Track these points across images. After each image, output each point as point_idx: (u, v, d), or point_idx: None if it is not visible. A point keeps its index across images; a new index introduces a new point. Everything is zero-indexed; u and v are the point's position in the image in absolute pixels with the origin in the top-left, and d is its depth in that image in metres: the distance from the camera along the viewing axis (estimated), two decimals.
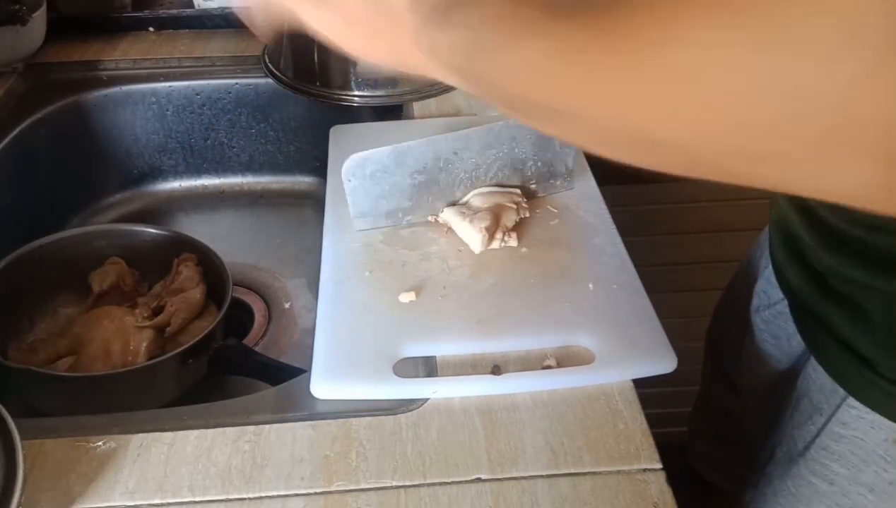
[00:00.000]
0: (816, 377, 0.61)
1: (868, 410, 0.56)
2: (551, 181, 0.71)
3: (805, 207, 0.59)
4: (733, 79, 0.26)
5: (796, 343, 0.66)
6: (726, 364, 0.82)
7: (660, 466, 0.50)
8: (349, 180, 0.66)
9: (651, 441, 0.51)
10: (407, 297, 0.61)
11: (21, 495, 0.46)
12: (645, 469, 0.50)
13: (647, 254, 0.74)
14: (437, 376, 0.56)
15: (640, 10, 0.29)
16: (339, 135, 0.82)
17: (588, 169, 0.76)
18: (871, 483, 0.57)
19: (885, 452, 0.56)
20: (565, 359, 0.57)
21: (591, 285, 0.62)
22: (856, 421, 0.57)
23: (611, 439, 0.51)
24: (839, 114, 0.25)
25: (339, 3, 0.45)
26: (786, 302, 0.67)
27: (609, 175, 0.74)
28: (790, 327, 0.66)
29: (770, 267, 0.69)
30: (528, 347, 0.58)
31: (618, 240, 0.67)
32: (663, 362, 0.56)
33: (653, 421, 0.53)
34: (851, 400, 0.57)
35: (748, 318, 0.74)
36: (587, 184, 0.74)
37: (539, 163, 0.70)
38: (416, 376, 0.56)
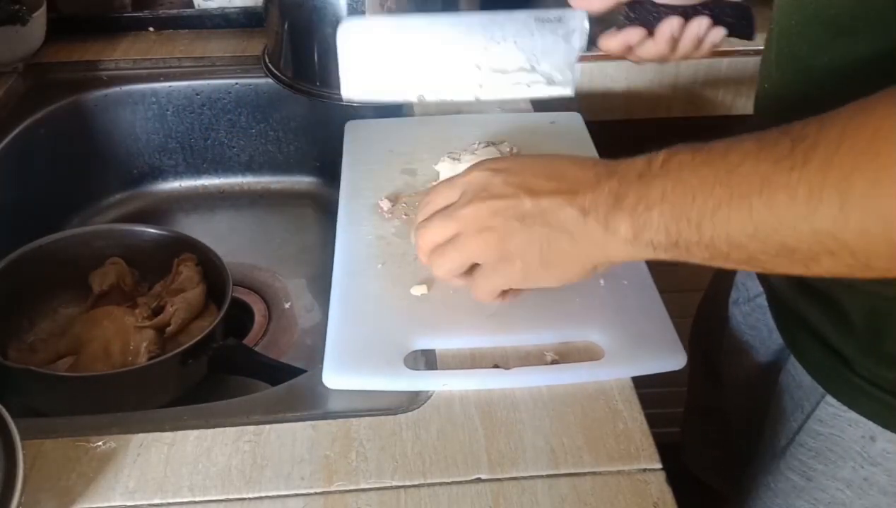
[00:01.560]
0: (796, 373, 0.61)
1: (846, 408, 0.56)
2: (548, 81, 0.67)
3: None
4: None
5: (776, 335, 0.66)
6: (710, 359, 0.82)
7: (660, 466, 0.50)
8: (345, 43, 0.62)
9: (651, 441, 0.51)
10: (419, 290, 0.61)
11: (21, 495, 0.46)
12: (645, 469, 0.50)
13: None
14: (436, 369, 0.56)
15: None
16: (355, 130, 0.82)
17: None
18: (849, 479, 0.58)
19: (862, 449, 0.56)
20: (575, 355, 0.57)
21: (601, 281, 0.62)
22: (833, 419, 0.57)
23: (611, 439, 0.51)
24: None
25: (518, 255, 0.49)
26: (765, 296, 0.67)
27: None
28: (770, 320, 0.66)
29: None
30: (538, 342, 0.58)
31: None
32: (673, 359, 0.56)
33: (653, 421, 0.53)
34: (829, 398, 0.57)
35: (727, 312, 0.75)
36: None
37: (539, 62, 0.66)
38: (417, 370, 0.56)
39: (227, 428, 0.53)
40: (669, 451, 0.54)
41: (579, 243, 0.47)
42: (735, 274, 0.74)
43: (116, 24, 1.04)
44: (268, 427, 0.53)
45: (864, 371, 0.55)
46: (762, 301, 0.68)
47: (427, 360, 0.57)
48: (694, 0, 0.60)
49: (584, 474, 0.49)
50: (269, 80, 0.94)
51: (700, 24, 0.59)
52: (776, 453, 0.64)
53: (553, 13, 0.61)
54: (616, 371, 0.56)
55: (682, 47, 0.61)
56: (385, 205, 0.70)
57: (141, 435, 0.52)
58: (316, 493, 0.48)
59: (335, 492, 0.48)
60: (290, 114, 0.99)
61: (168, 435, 0.52)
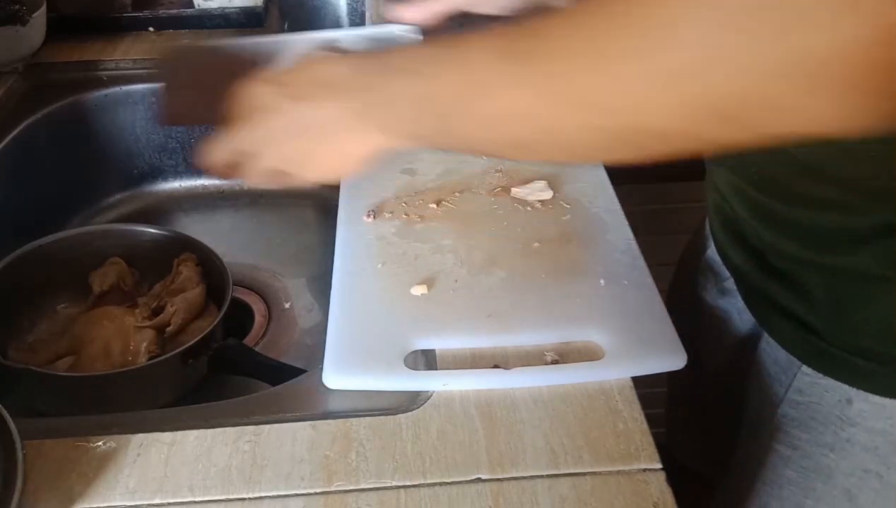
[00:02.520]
0: (771, 351, 0.64)
1: (820, 375, 0.59)
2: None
3: (741, 189, 0.62)
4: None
5: (746, 317, 0.68)
6: (686, 345, 0.83)
7: (660, 466, 0.50)
8: (165, 73, 0.61)
9: (651, 441, 0.51)
10: (419, 290, 0.61)
11: (21, 495, 0.46)
12: (645, 469, 0.50)
13: (658, 252, 0.74)
14: (436, 369, 0.56)
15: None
16: None
17: (601, 166, 0.76)
18: (831, 443, 0.60)
19: (841, 412, 0.59)
20: (575, 355, 0.57)
21: (602, 281, 0.62)
22: (811, 388, 0.60)
23: (611, 439, 0.51)
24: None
25: (290, 145, 0.50)
26: (732, 280, 0.69)
27: (624, 173, 0.74)
28: (739, 303, 0.69)
29: (713, 245, 0.72)
30: (538, 342, 0.58)
31: (630, 236, 0.68)
32: (673, 359, 0.57)
33: (653, 421, 0.53)
34: (805, 368, 0.60)
35: (697, 296, 0.76)
36: (600, 181, 0.75)
37: None
38: (417, 370, 0.56)
39: (227, 428, 0.53)
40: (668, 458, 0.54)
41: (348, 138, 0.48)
42: (700, 261, 0.76)
43: (116, 24, 1.04)
44: (268, 427, 0.53)
45: (832, 338, 0.58)
46: (730, 285, 0.70)
47: (427, 360, 0.57)
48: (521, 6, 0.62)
49: (584, 474, 0.49)
50: None
51: None
52: (760, 428, 0.66)
53: (383, 32, 0.62)
54: (616, 371, 0.56)
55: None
56: (369, 218, 0.70)
57: (141, 435, 0.52)
58: (316, 493, 0.48)
59: (335, 492, 0.48)
60: None
61: (168, 435, 0.52)
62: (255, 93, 0.51)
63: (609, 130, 0.37)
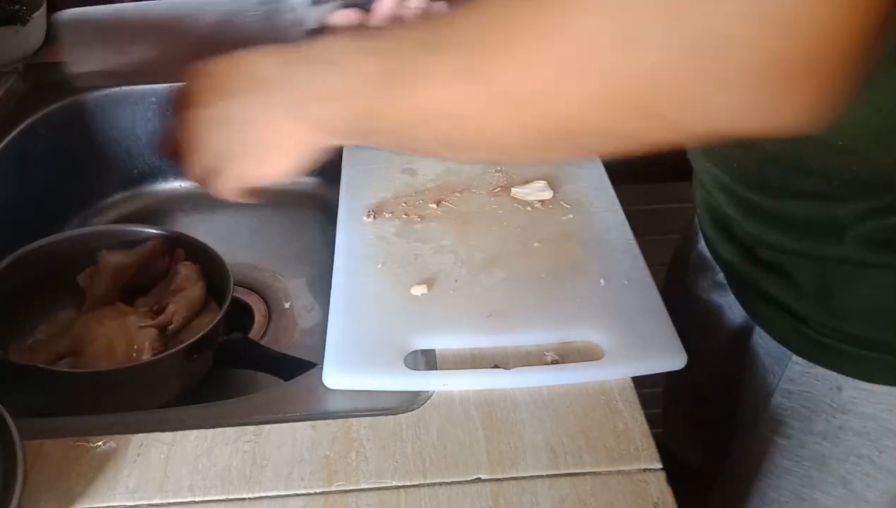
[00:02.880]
0: (763, 342, 0.65)
1: (811, 364, 0.60)
2: None
3: (723, 184, 0.62)
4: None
5: (738, 310, 0.69)
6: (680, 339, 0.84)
7: (660, 466, 0.50)
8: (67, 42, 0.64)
9: (651, 441, 0.51)
10: (419, 290, 0.61)
11: (21, 495, 0.46)
12: (645, 469, 0.50)
13: (658, 252, 0.75)
14: (436, 370, 0.56)
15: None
16: None
17: (601, 166, 0.76)
18: (824, 430, 0.61)
19: (832, 400, 0.60)
20: (575, 355, 0.57)
21: (602, 281, 0.62)
22: (802, 377, 0.61)
23: (611, 439, 0.51)
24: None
25: (222, 141, 0.50)
26: (722, 274, 0.70)
27: (624, 173, 0.74)
28: (730, 296, 0.69)
29: (702, 241, 0.73)
30: (538, 342, 0.58)
31: (630, 236, 0.68)
32: (673, 359, 0.57)
33: (653, 421, 0.53)
34: (795, 357, 0.61)
35: (690, 290, 0.77)
36: (600, 181, 0.75)
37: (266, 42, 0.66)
38: (417, 370, 0.56)
39: (227, 428, 0.53)
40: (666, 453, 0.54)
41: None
42: (691, 257, 0.77)
43: None
44: (268, 427, 0.53)
45: (820, 327, 0.59)
46: (721, 278, 0.71)
47: (427, 360, 0.57)
48: None
49: (584, 474, 0.49)
50: None
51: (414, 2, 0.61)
52: (755, 420, 0.66)
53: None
54: (616, 371, 0.56)
55: (403, 17, 0.63)
56: (369, 218, 0.70)
57: (141, 435, 0.52)
58: (316, 493, 0.48)
59: (335, 492, 0.48)
60: None
61: (168, 435, 0.52)
62: (190, 86, 0.50)
63: (533, 127, 0.36)
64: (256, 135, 0.48)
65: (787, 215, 0.58)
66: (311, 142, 0.47)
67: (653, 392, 0.58)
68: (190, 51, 0.51)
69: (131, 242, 0.79)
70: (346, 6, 0.61)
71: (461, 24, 0.37)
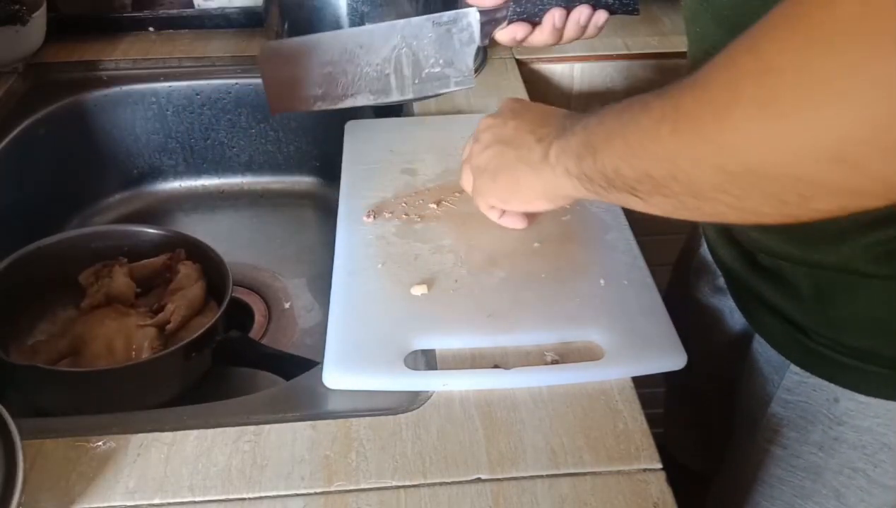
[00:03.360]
0: (763, 350, 0.65)
1: (808, 374, 0.60)
2: (451, 77, 0.71)
3: None
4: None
5: (738, 316, 0.69)
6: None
7: (660, 466, 0.50)
8: (265, 65, 0.69)
9: (651, 441, 0.51)
10: (419, 290, 0.61)
11: (21, 495, 0.46)
12: (645, 469, 0.50)
13: (658, 252, 0.75)
14: (436, 370, 0.56)
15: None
16: (355, 130, 0.83)
17: None
18: (820, 441, 0.61)
19: (829, 411, 0.60)
20: (575, 355, 0.57)
21: (602, 281, 0.62)
22: (799, 387, 0.61)
23: (611, 439, 0.51)
24: None
25: (496, 192, 0.62)
26: (723, 278, 0.70)
27: None
28: (730, 301, 0.70)
29: (705, 245, 0.73)
30: (538, 342, 0.58)
31: (630, 236, 0.68)
32: (673, 359, 0.56)
33: (653, 421, 0.53)
34: (794, 367, 0.61)
35: (691, 294, 0.77)
36: None
37: (440, 61, 0.70)
38: (417, 370, 0.56)
39: (227, 428, 0.53)
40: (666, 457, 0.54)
41: (538, 174, 0.56)
42: (693, 260, 0.77)
43: (116, 24, 1.04)
44: (268, 427, 0.53)
45: (818, 337, 0.59)
46: (722, 283, 0.71)
47: (427, 360, 0.57)
48: None
49: (584, 474, 0.49)
50: None
51: (581, 12, 0.63)
52: (753, 427, 0.66)
53: (447, 15, 0.66)
54: (616, 371, 0.56)
55: (568, 34, 0.65)
56: (369, 218, 0.70)
57: (141, 435, 0.52)
58: (316, 493, 0.48)
59: (335, 492, 0.49)
60: (290, 115, 0.99)
61: (168, 435, 0.52)
62: (480, 130, 0.64)
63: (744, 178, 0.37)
64: (518, 173, 0.58)
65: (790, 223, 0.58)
66: (559, 186, 0.54)
67: (653, 392, 0.58)
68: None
69: (131, 242, 0.79)
70: (514, 21, 0.64)
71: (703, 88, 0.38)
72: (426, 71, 0.70)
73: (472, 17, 0.65)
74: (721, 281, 0.71)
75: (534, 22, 0.63)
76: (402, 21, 0.67)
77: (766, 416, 0.64)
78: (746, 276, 0.64)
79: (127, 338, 0.71)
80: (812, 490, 0.63)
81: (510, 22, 0.64)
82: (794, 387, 0.62)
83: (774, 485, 0.65)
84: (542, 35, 0.64)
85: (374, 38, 0.67)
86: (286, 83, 0.68)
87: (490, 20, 0.64)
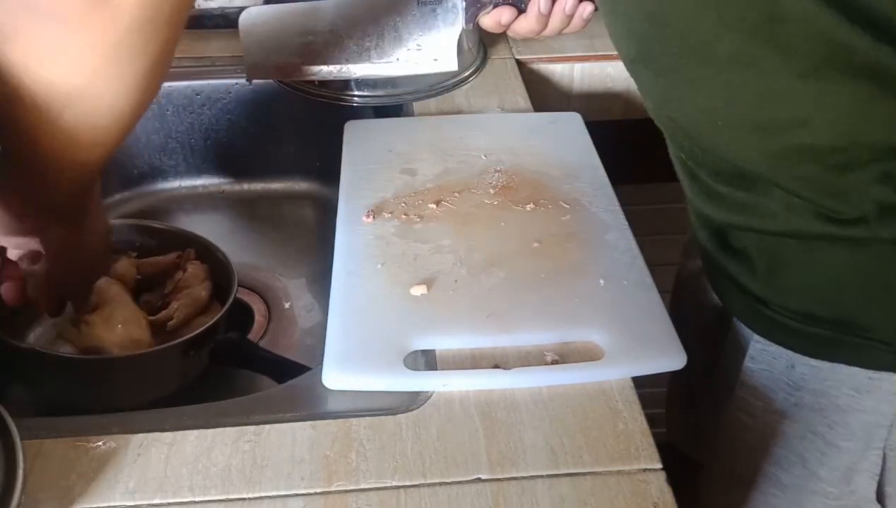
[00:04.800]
0: (736, 324, 0.67)
1: (768, 342, 0.63)
2: (432, 58, 0.71)
3: (694, 175, 0.64)
4: None
5: (714, 296, 0.71)
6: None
7: (660, 466, 0.50)
8: (246, 31, 0.68)
9: (651, 441, 0.51)
10: (418, 290, 0.61)
11: (21, 495, 0.46)
12: (645, 469, 0.50)
13: (658, 252, 0.75)
14: (436, 370, 0.56)
15: None
16: (354, 130, 0.83)
17: (600, 166, 0.76)
18: (783, 409, 0.64)
19: (788, 378, 0.63)
20: (574, 355, 0.57)
21: (601, 281, 0.62)
22: (761, 355, 0.64)
23: (611, 439, 0.51)
24: None
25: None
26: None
27: (625, 173, 0.74)
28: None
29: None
30: (538, 342, 0.58)
31: (630, 236, 0.68)
32: (673, 359, 0.56)
33: (653, 421, 0.53)
34: (756, 337, 0.64)
35: (688, 285, 0.80)
36: (599, 181, 0.74)
37: (423, 40, 0.70)
38: (417, 370, 0.56)
39: (227, 428, 0.53)
40: (670, 451, 0.54)
41: None
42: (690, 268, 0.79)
43: None
44: (268, 427, 0.53)
45: (773, 304, 0.61)
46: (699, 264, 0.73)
47: (427, 360, 0.57)
48: None
49: (584, 474, 0.49)
50: (270, 80, 0.94)
51: (567, 1, 0.64)
52: (728, 400, 0.69)
53: None
54: (616, 371, 0.56)
55: (553, 23, 0.66)
56: (369, 219, 0.70)
57: (141, 435, 0.52)
58: (316, 493, 0.49)
59: (335, 492, 0.49)
60: (290, 115, 0.99)
61: (168, 435, 0.52)
62: None
63: None
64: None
65: (740, 199, 0.60)
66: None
67: (653, 392, 0.58)
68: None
69: (139, 238, 0.80)
70: (500, 5, 0.63)
71: None
72: (407, 48, 0.69)
73: (456, 0, 0.65)
74: (698, 262, 0.73)
75: (519, 7, 0.63)
76: None
77: (737, 386, 0.67)
78: (718, 256, 0.66)
79: (125, 332, 0.72)
80: (780, 456, 0.66)
81: (496, 6, 0.63)
82: (758, 356, 0.64)
83: (749, 454, 0.67)
84: (527, 22, 0.65)
85: (358, 11, 0.66)
86: (265, 50, 0.67)
87: (475, 3, 0.64)
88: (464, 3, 0.64)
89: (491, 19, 0.65)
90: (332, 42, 0.67)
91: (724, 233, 0.65)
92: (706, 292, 0.76)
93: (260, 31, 0.66)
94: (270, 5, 0.67)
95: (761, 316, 0.63)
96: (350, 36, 0.68)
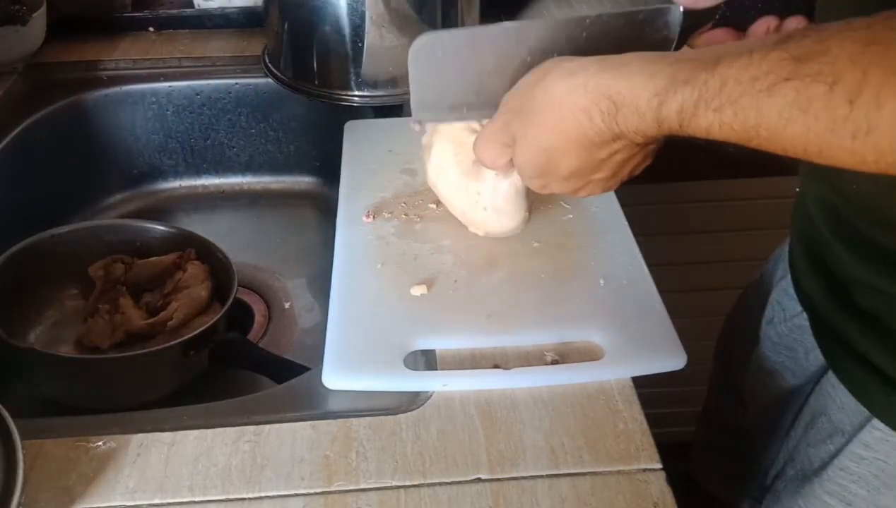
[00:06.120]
0: (836, 395, 0.59)
1: (893, 433, 0.55)
2: None
3: (833, 209, 0.57)
4: None
5: (814, 357, 0.64)
6: (735, 375, 0.81)
7: (660, 466, 0.50)
8: (415, 65, 0.57)
9: (651, 441, 0.51)
10: (418, 290, 0.61)
11: (21, 495, 0.46)
12: (645, 469, 0.50)
13: (658, 252, 0.74)
14: (436, 370, 0.56)
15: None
16: (354, 130, 0.83)
17: None
18: (891, 506, 0.57)
19: None
20: (575, 355, 0.57)
21: (601, 281, 0.62)
22: (879, 444, 0.56)
23: (611, 439, 0.51)
24: None
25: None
26: (804, 315, 0.65)
27: None
28: (808, 341, 0.64)
29: (787, 277, 0.68)
30: (538, 342, 0.58)
31: (630, 236, 0.68)
32: (673, 359, 0.56)
33: (653, 421, 0.53)
34: (876, 422, 0.56)
35: (759, 330, 0.73)
36: None
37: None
38: (417, 370, 0.56)
39: (227, 428, 0.53)
40: (670, 451, 0.54)
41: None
42: (770, 295, 0.72)
43: (116, 24, 1.04)
44: (268, 427, 0.53)
45: None
46: (801, 321, 0.66)
47: (427, 360, 0.57)
48: None
49: (584, 474, 0.49)
50: (269, 80, 0.94)
51: (797, 21, 0.57)
52: (808, 476, 0.62)
53: (644, 12, 0.56)
54: (616, 371, 0.56)
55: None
56: (369, 219, 0.70)
57: (141, 435, 0.52)
58: (316, 493, 0.48)
59: (335, 492, 0.48)
60: (290, 114, 0.99)
61: (168, 435, 0.52)
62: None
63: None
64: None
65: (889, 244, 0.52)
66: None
67: (653, 392, 0.58)
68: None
69: (142, 238, 0.80)
70: (718, 26, 0.57)
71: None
72: None
73: (672, 16, 0.56)
74: (799, 318, 0.66)
75: (739, 29, 0.57)
76: (591, 14, 0.56)
77: (830, 467, 0.59)
78: (833, 315, 0.59)
79: (121, 330, 0.73)
80: None
81: (714, 26, 0.57)
82: (874, 444, 0.56)
83: None
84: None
85: (549, 32, 0.56)
86: (436, 86, 0.57)
87: (693, 23, 0.57)
88: (680, 23, 0.56)
89: (704, 41, 0.58)
90: (517, 72, 0.56)
91: (847, 289, 0.57)
92: (777, 328, 0.70)
93: (433, 63, 0.56)
94: (445, 30, 0.56)
95: (893, 403, 0.54)
96: (527, 62, 0.57)
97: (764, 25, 0.57)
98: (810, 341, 0.64)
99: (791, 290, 0.67)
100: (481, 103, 0.58)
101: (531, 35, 0.56)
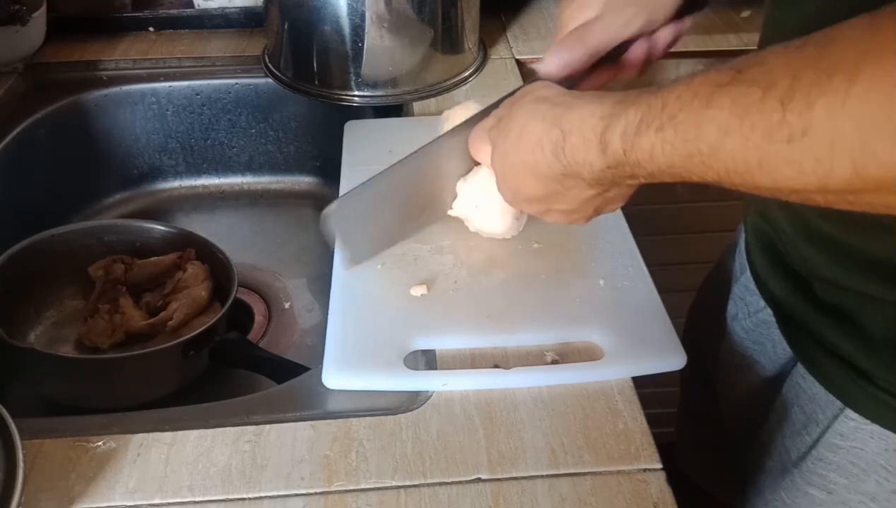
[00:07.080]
0: (807, 386, 0.60)
1: (867, 421, 0.55)
2: None
3: (794, 212, 0.57)
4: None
5: (782, 349, 0.64)
6: (703, 364, 0.80)
7: (660, 466, 0.50)
8: (334, 230, 0.63)
9: (651, 441, 0.51)
10: (418, 291, 0.61)
11: (21, 495, 0.46)
12: (645, 469, 0.50)
13: (658, 252, 0.74)
14: (436, 370, 0.56)
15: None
16: (354, 130, 0.83)
17: None
18: (873, 492, 0.57)
19: (887, 462, 0.55)
20: (575, 355, 0.57)
21: (601, 281, 0.62)
22: (854, 433, 0.56)
23: (611, 439, 0.51)
24: None
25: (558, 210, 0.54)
26: (769, 310, 0.65)
27: None
28: (775, 334, 0.64)
29: (747, 272, 0.68)
30: (538, 342, 0.58)
31: (629, 236, 0.68)
32: (673, 359, 0.56)
33: (653, 421, 0.53)
34: (849, 412, 0.56)
35: (725, 325, 0.73)
36: None
37: None
38: (417, 370, 0.56)
39: (227, 428, 0.53)
40: (670, 451, 0.54)
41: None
42: (731, 288, 0.72)
43: (116, 24, 1.04)
44: (268, 427, 0.53)
45: (886, 383, 0.53)
46: (766, 316, 0.66)
47: (427, 360, 0.57)
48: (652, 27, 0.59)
49: (584, 474, 0.49)
50: (269, 80, 0.94)
51: (665, 32, 0.59)
52: (787, 467, 0.62)
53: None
54: (616, 371, 0.56)
55: (654, 58, 0.61)
56: None
57: (141, 435, 0.52)
58: (316, 493, 0.49)
59: (335, 492, 0.49)
60: (290, 114, 0.99)
61: (168, 435, 0.52)
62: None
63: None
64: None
65: (867, 251, 0.51)
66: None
67: (653, 392, 0.58)
68: None
69: (142, 238, 0.80)
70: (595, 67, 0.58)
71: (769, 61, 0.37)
72: None
73: None
74: (763, 313, 0.66)
75: (615, 63, 0.59)
76: (484, 106, 0.61)
77: (808, 458, 0.60)
78: (801, 311, 0.59)
79: (119, 330, 0.73)
80: None
81: (591, 72, 0.59)
82: (849, 433, 0.56)
83: None
84: (628, 74, 0.60)
85: (452, 148, 0.62)
86: (362, 234, 0.62)
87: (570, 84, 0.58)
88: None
89: (592, 85, 0.59)
90: (425, 189, 0.62)
91: (810, 285, 0.57)
92: (744, 326, 0.70)
93: (352, 218, 0.61)
94: (349, 191, 0.60)
95: (865, 392, 0.54)
96: (446, 178, 0.63)
97: (638, 50, 0.59)
98: (777, 334, 0.64)
99: (752, 286, 0.67)
100: (415, 226, 0.65)
101: (438, 151, 0.62)
